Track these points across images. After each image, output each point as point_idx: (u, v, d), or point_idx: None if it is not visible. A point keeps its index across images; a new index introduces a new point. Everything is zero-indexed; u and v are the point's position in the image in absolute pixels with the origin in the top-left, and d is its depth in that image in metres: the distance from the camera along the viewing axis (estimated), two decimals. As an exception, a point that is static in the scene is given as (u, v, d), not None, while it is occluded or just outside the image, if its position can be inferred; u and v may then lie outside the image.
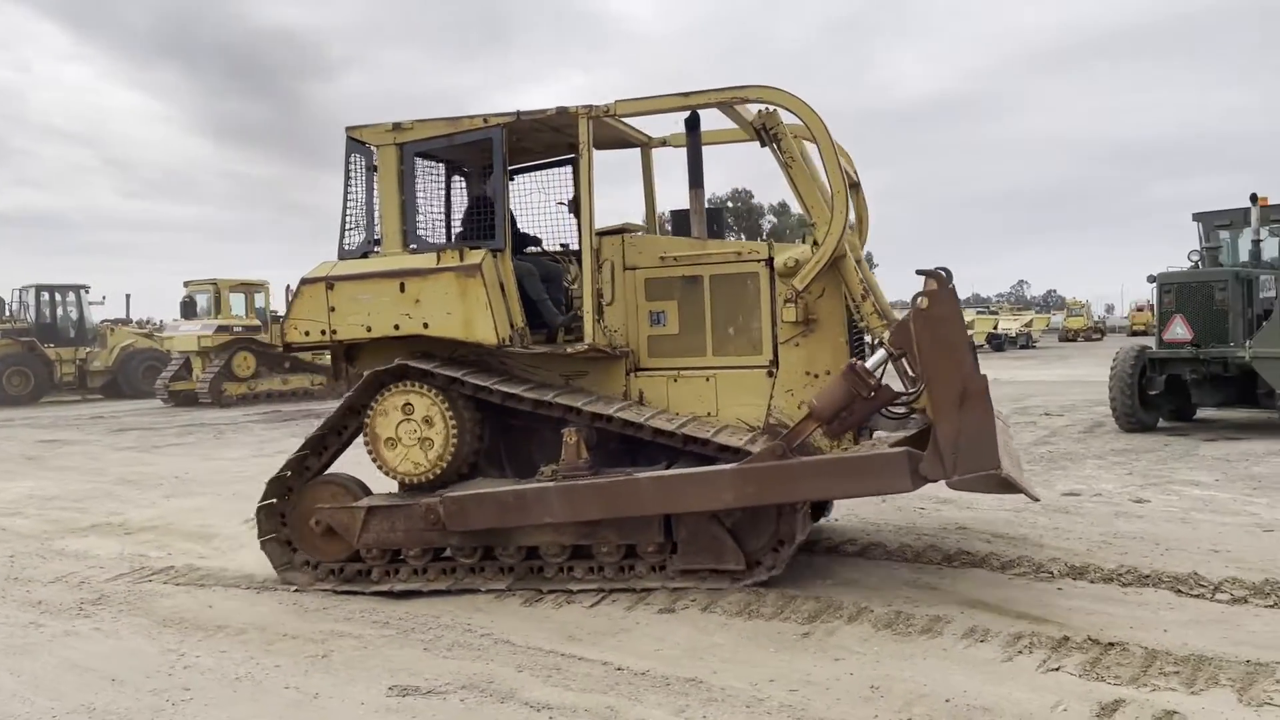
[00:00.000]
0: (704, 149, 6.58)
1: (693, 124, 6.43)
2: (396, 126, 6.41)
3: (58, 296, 28.08)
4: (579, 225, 7.32)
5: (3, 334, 26.27)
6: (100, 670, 4.97)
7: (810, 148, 6.11)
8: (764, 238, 53.56)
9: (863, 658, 4.72)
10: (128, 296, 33.42)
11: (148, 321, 35.88)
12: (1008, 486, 5.26)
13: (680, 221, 6.71)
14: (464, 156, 7.08)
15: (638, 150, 7.51)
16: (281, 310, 26.26)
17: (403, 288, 6.22)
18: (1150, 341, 13.78)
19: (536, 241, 7.42)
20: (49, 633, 5.64)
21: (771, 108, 5.85)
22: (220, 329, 23.86)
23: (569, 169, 7.33)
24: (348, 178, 6.62)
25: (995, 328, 45.42)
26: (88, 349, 27.81)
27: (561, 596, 5.87)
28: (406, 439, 6.15)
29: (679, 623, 5.36)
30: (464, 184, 7.53)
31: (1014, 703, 4.12)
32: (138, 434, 17.57)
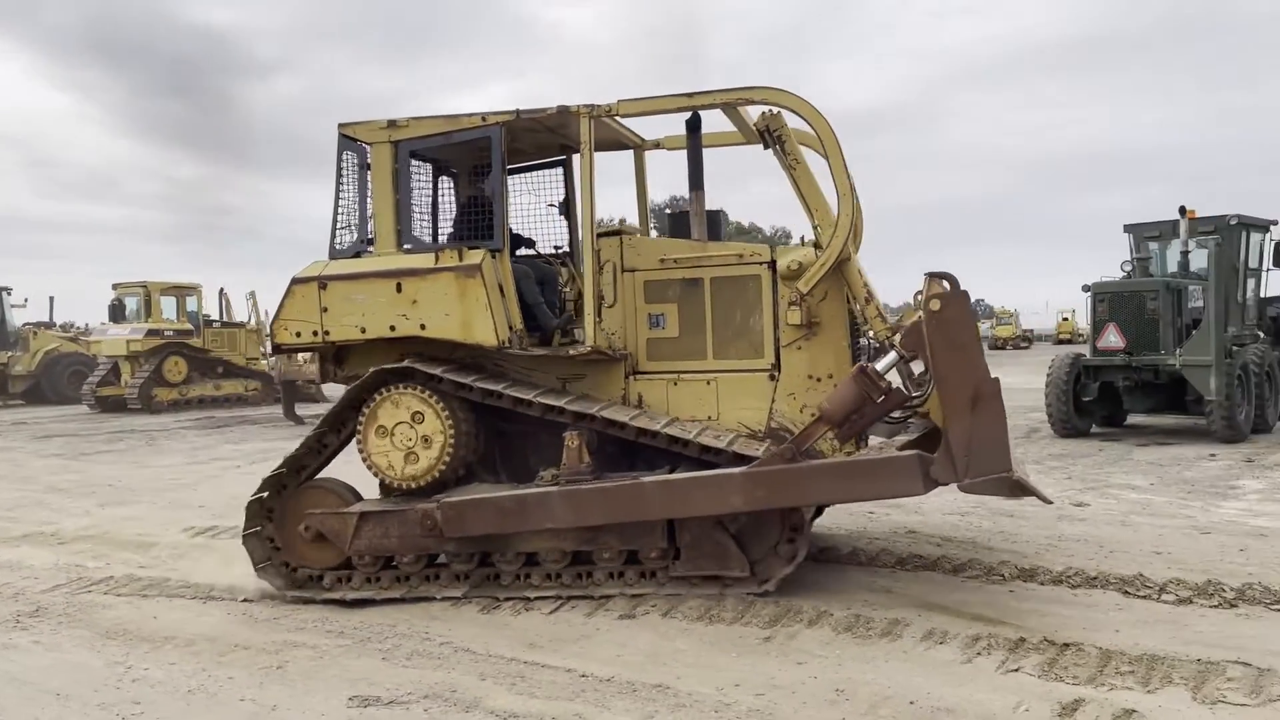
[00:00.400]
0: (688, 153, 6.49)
1: (694, 125, 6.33)
2: (391, 124, 6.26)
3: (-23, 298, 27.14)
4: (570, 227, 7.19)
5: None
6: (42, 684, 4.79)
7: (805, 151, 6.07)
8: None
9: (825, 661, 4.75)
10: (51, 299, 32.22)
11: (72, 325, 34.81)
12: (1020, 489, 5.24)
13: (677, 223, 6.61)
14: (454, 156, 6.92)
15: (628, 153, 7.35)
16: (214, 314, 25.76)
17: (399, 288, 6.07)
18: (1076, 349, 14.13)
19: (530, 243, 7.30)
20: (-15, 646, 5.43)
21: (776, 110, 5.80)
22: (151, 333, 23.22)
23: (558, 171, 7.27)
24: (339, 176, 6.45)
25: None
26: (9, 353, 26.87)
27: (520, 603, 5.81)
28: (402, 442, 6.00)
29: (640, 628, 5.34)
30: (451, 185, 7.37)
31: (976, 704, 4.18)
32: (64, 441, 17.01)
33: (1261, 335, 14.15)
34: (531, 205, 7.27)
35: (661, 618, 5.46)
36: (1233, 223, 13.65)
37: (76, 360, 26.78)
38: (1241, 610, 5.34)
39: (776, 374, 6.02)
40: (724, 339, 6.14)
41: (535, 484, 5.92)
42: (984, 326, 63.55)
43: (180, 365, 23.51)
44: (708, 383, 6.13)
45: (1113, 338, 12.97)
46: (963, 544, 6.99)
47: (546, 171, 7.33)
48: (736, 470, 5.44)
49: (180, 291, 24.92)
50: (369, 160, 6.38)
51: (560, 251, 7.45)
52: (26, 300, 33.62)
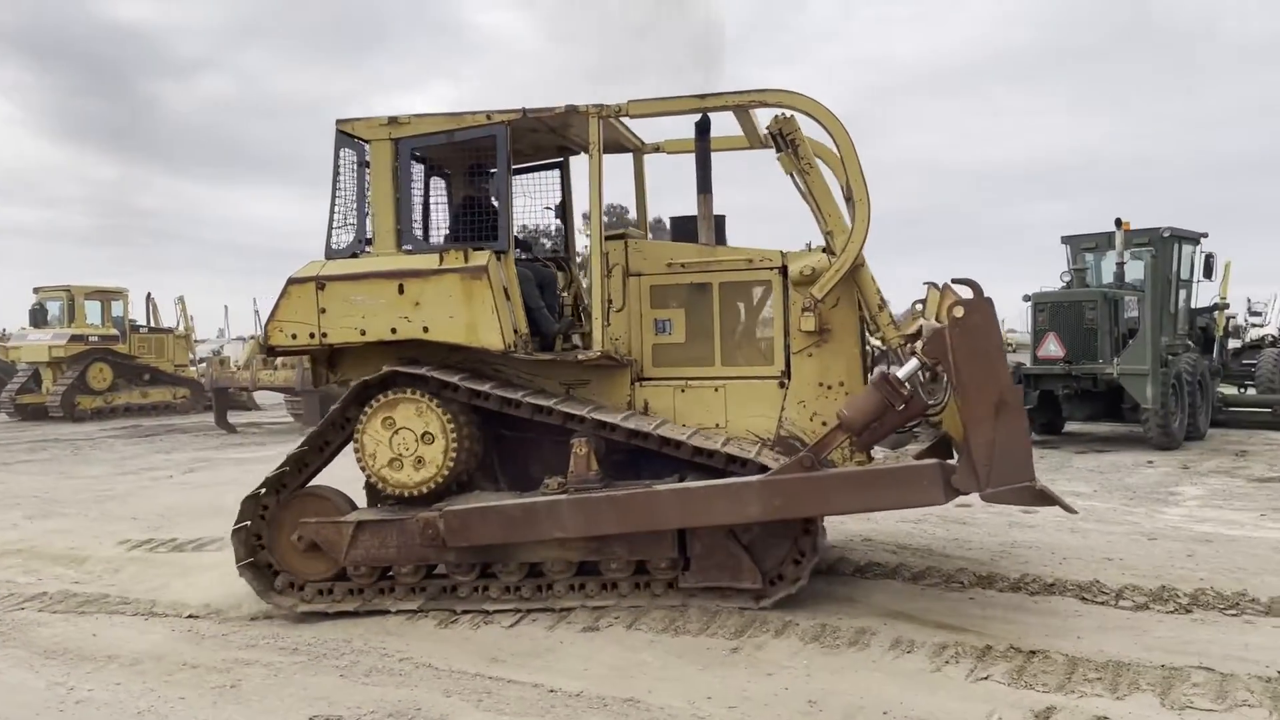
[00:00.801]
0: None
1: (703, 128, 6.25)
2: (392, 121, 6.07)
3: (-113, 302, 26.04)
4: (566, 230, 7.03)
5: None
6: (-22, 708, 4.55)
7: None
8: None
9: (794, 672, 4.71)
10: (-35, 304, 31.13)
11: (-11, 330, 33.57)
12: (1044, 499, 5.19)
13: (680, 228, 6.51)
14: (452, 155, 6.67)
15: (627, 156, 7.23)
16: (141, 319, 25.03)
17: (401, 289, 5.87)
18: (1015, 358, 14.36)
19: (528, 246, 7.10)
20: (-88, 669, 5.14)
21: (789, 113, 5.73)
22: (74, 338, 22.54)
23: (554, 173, 7.14)
24: (336, 174, 6.23)
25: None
26: (-79, 359, 25.84)
27: (478, 617, 5.67)
28: (404, 448, 5.81)
29: (604, 641, 5.24)
30: (445, 185, 7.15)
31: (949, 713, 4.17)
32: (-17, 450, 16.37)
33: (1191, 345, 14.55)
34: (526, 208, 7.09)
35: (626, 630, 5.37)
36: (1166, 235, 14.03)
37: (-6, 367, 25.85)
38: (1196, 615, 5.43)
39: (787, 381, 5.93)
40: (732, 345, 6.06)
41: (541, 492, 5.75)
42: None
43: (105, 372, 22.85)
44: (715, 390, 6.03)
45: (1052, 347, 13.21)
46: (919, 551, 7.02)
47: (541, 174, 7.18)
48: (754, 479, 5.33)
49: (105, 296, 24.19)
50: (367, 158, 6.19)
51: (557, 255, 7.31)
52: (-60, 304, 32.35)
